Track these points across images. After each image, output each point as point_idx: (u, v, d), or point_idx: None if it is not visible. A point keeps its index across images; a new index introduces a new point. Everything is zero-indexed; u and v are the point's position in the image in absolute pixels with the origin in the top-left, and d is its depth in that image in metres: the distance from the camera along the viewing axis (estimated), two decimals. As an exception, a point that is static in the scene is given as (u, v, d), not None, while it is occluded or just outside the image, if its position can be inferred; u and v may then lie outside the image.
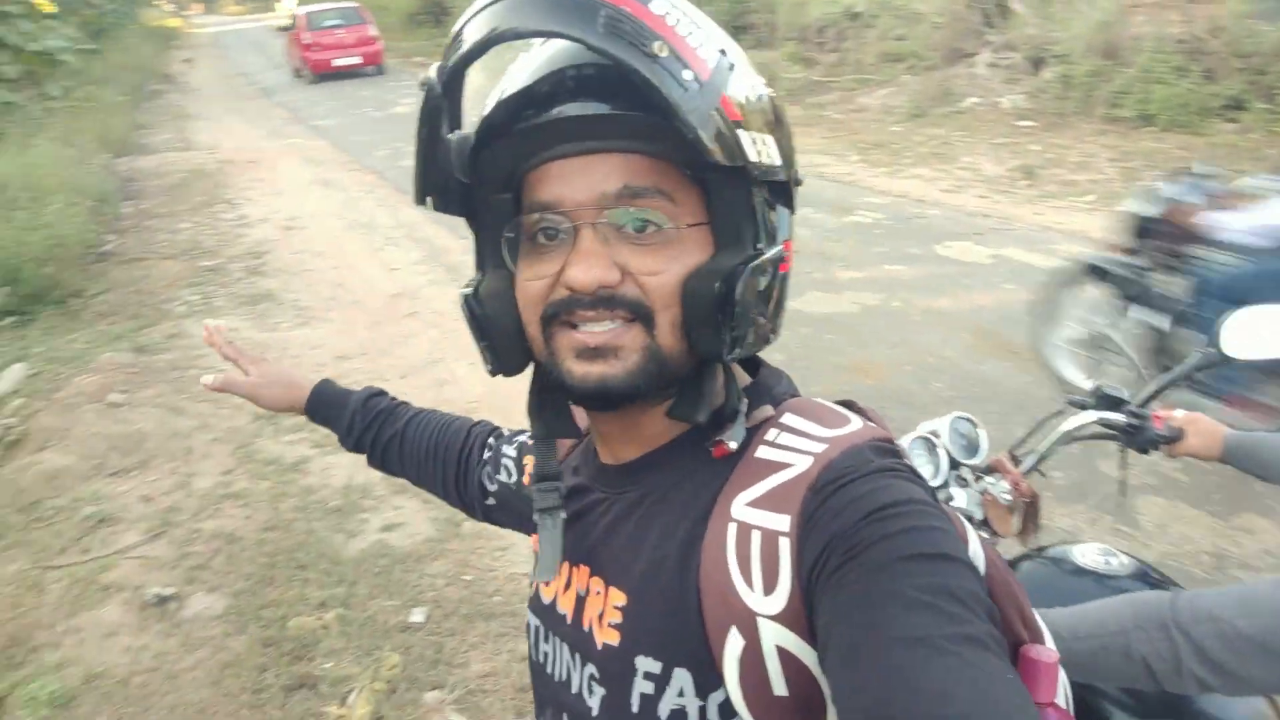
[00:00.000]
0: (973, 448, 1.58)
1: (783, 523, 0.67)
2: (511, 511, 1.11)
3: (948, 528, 0.65)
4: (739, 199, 0.72)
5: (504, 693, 2.69)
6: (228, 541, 3.43)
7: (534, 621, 0.91)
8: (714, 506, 0.72)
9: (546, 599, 0.88)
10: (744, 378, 0.82)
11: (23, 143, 8.28)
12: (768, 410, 0.76)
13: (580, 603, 0.83)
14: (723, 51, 0.69)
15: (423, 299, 6.21)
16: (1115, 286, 3.94)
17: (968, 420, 1.62)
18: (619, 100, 0.69)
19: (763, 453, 0.72)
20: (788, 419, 0.74)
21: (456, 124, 0.75)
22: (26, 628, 2.97)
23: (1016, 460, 1.62)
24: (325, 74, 17.89)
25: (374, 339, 5.52)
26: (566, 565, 0.85)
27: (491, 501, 1.14)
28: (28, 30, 11.75)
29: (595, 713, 0.80)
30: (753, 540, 0.68)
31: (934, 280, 5.89)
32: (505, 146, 0.74)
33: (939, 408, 4.22)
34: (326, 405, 1.28)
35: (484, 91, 0.77)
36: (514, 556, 3.36)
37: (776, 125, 0.74)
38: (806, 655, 0.65)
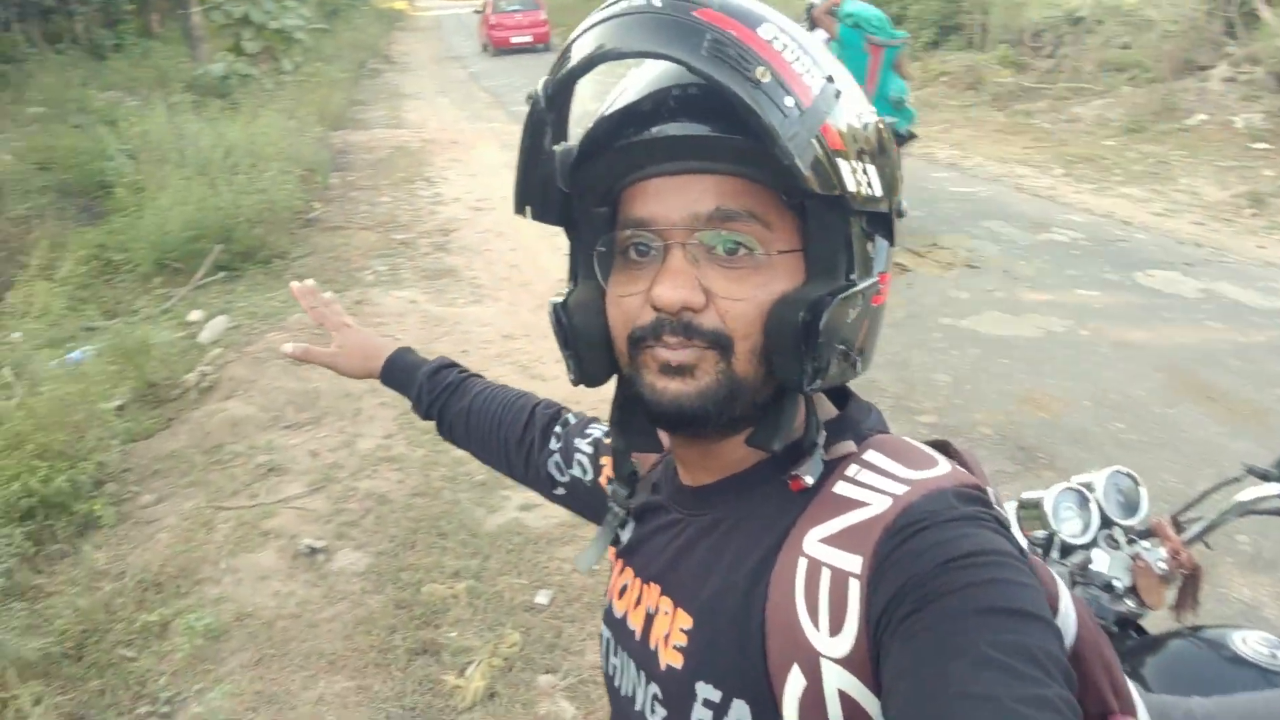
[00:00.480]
0: (1131, 507, 1.44)
1: (854, 564, 0.65)
2: (583, 504, 1.12)
3: (1032, 583, 0.62)
4: (835, 228, 0.71)
5: (614, 687, 2.70)
6: (379, 502, 3.62)
7: (606, 633, 0.92)
8: (786, 539, 0.71)
9: (618, 613, 0.89)
10: (829, 410, 0.81)
11: (252, 113, 9.06)
12: (850, 446, 0.75)
13: (649, 621, 0.83)
14: (829, 79, 0.68)
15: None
16: None
17: (1129, 476, 1.47)
18: (719, 123, 0.69)
19: (841, 488, 0.71)
20: (871, 456, 0.73)
21: (561, 136, 0.77)
22: (194, 561, 3.26)
23: (1180, 526, 1.46)
24: (503, 49, 21.42)
25: (537, 322, 5.67)
26: (639, 583, 0.86)
27: (561, 491, 1.14)
28: (270, 10, 12.87)
29: None
30: (822, 578, 0.67)
31: (1130, 310, 5.42)
32: (605, 161, 0.75)
33: (1115, 452, 3.89)
34: (399, 373, 1.31)
35: (590, 106, 0.78)
36: (643, 552, 3.37)
37: (880, 155, 0.73)
38: (869, 702, 0.64)
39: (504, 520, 3.54)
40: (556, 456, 1.13)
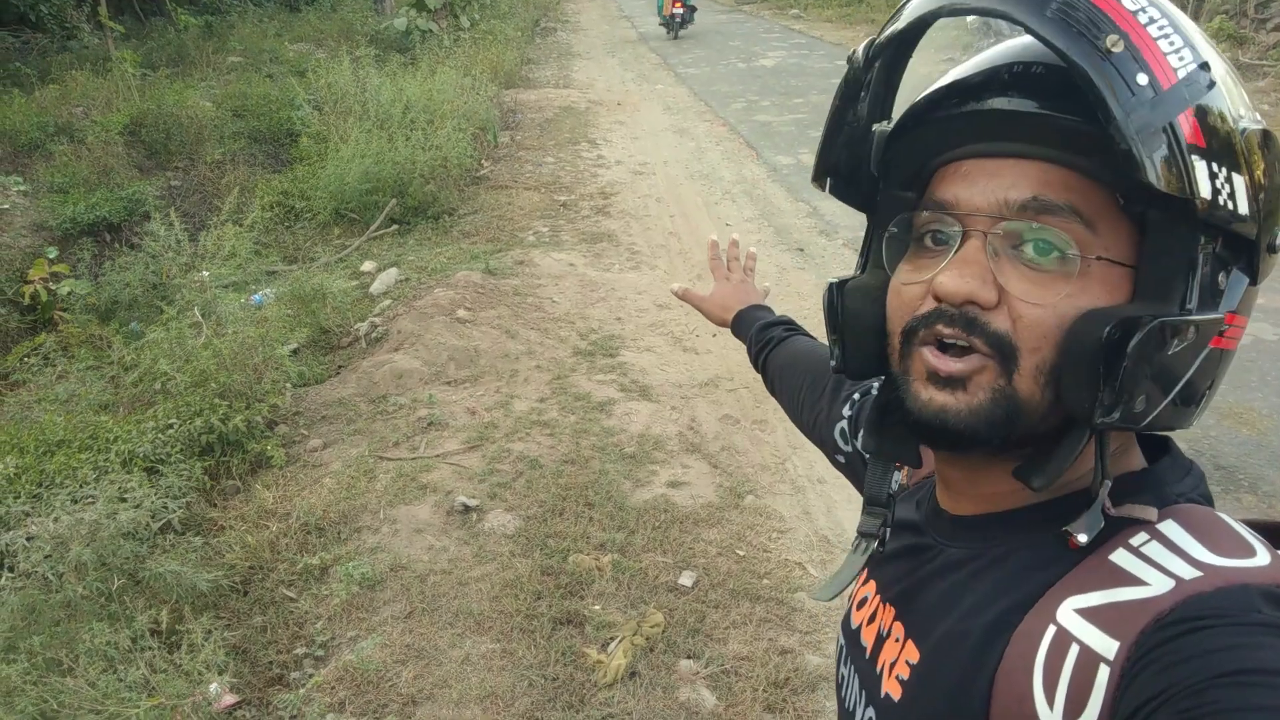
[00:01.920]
0: None
1: (1109, 648, 0.55)
2: (859, 478, 1.03)
3: None
4: (1178, 244, 0.60)
5: (756, 681, 2.62)
6: (530, 466, 3.65)
7: (841, 640, 0.88)
8: (1039, 599, 0.62)
9: (854, 624, 0.84)
10: (1135, 461, 0.68)
11: (430, 68, 9.30)
12: (1148, 511, 0.62)
13: (879, 642, 0.78)
14: (1204, 65, 0.58)
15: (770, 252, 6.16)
16: None
17: None
18: (1056, 101, 0.61)
19: (1119, 558, 0.60)
20: (1167, 527, 0.61)
21: (879, 106, 0.72)
22: (355, 509, 3.37)
23: None
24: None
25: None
26: (878, 600, 0.81)
27: (842, 459, 1.07)
28: (451, -33, 13.16)
29: None
30: (1069, 654, 0.57)
31: (1361, 321, 4.83)
32: (919, 137, 0.69)
33: (1335, 481, 3.47)
34: (742, 327, 1.32)
35: (916, 88, 0.72)
36: (790, 541, 3.26)
37: (1258, 167, 0.60)
38: None
39: (651, 496, 3.50)
40: (844, 424, 1.05)
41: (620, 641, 2.74)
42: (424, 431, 3.94)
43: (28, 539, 2.55)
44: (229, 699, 2.53)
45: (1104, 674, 0.55)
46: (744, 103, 11.22)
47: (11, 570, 2.58)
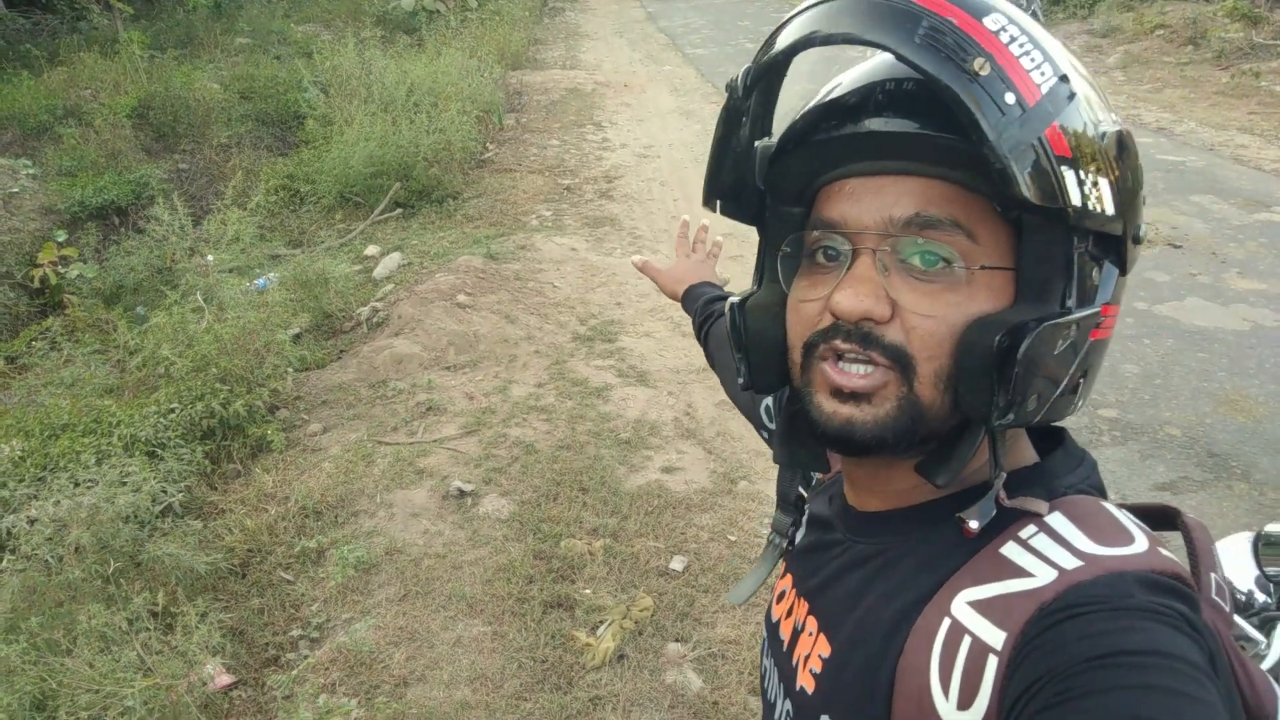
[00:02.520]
0: None
1: (997, 639, 0.58)
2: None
3: (1205, 697, 0.52)
4: (1054, 247, 0.63)
5: (742, 665, 2.66)
6: (526, 451, 3.69)
7: (764, 633, 0.90)
8: (937, 592, 0.65)
9: (774, 617, 0.86)
10: (1027, 455, 0.72)
11: (436, 49, 9.29)
12: (1038, 504, 0.65)
13: (795, 636, 0.80)
14: (1063, 78, 0.61)
15: (751, 243, 6.14)
16: None
17: None
18: (929, 120, 0.63)
19: (1008, 550, 0.63)
20: (1053, 519, 0.64)
21: (761, 130, 0.75)
22: (353, 493, 3.42)
23: None
24: None
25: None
26: (794, 594, 0.83)
27: (766, 435, 1.09)
28: (458, -53, 13.09)
29: None
30: (962, 646, 0.60)
31: (1362, 307, 4.80)
32: (802, 157, 0.71)
33: (1328, 469, 3.47)
34: (689, 301, 1.37)
35: (796, 105, 0.75)
36: (784, 527, 3.29)
37: (1119, 169, 0.64)
38: None
39: (645, 481, 3.54)
40: (768, 400, 1.07)
41: (609, 625, 2.78)
42: (422, 416, 3.98)
43: (29, 522, 2.60)
44: (224, 679, 2.59)
45: (993, 664, 0.58)
46: (751, 84, 11.16)
47: (13, 553, 2.64)
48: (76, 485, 2.85)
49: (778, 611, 0.86)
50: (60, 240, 5.97)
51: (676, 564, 3.07)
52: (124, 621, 2.41)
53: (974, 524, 0.64)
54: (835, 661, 0.72)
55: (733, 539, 3.22)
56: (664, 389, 4.22)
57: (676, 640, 2.76)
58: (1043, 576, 0.59)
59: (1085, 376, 0.67)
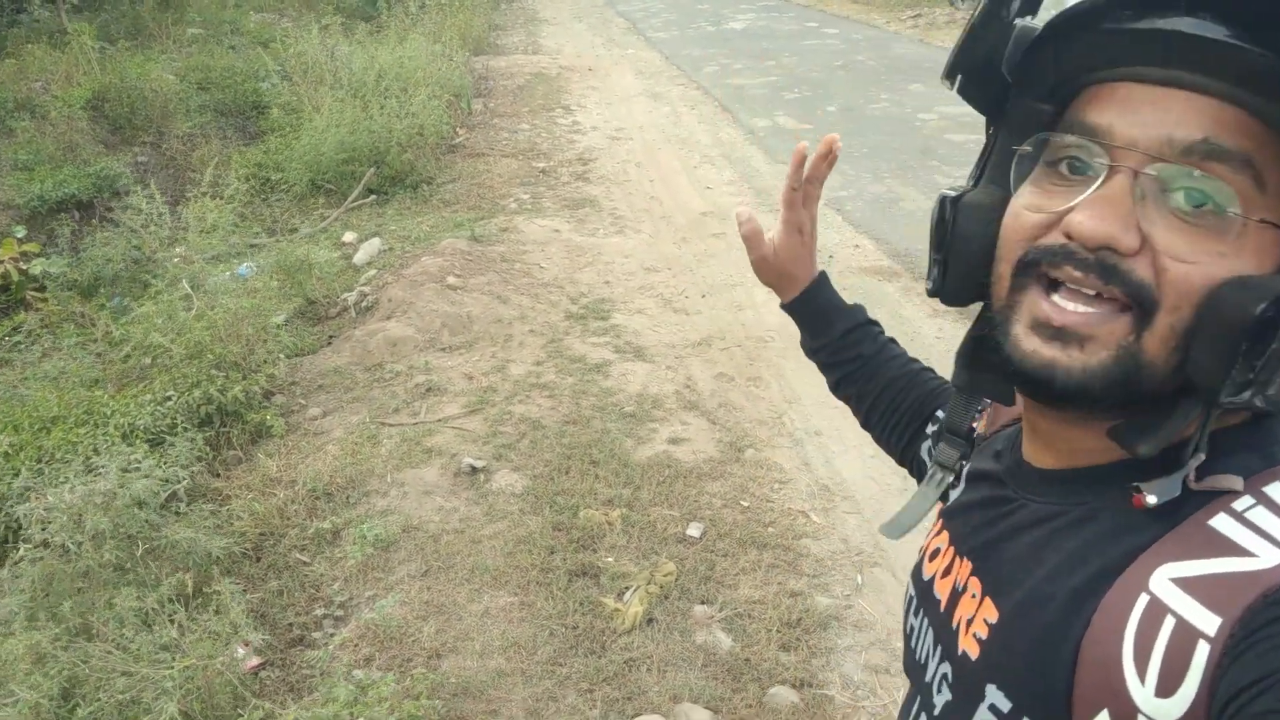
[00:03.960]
0: None
1: (1210, 624, 0.51)
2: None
3: None
4: None
5: (769, 622, 2.70)
6: (533, 427, 3.69)
7: (911, 590, 0.84)
8: (1130, 564, 0.58)
9: (926, 575, 0.80)
10: (1237, 414, 0.62)
11: (399, 36, 9.18)
12: (1231, 481, 0.57)
13: (955, 596, 0.74)
14: None
15: (730, 220, 6.20)
16: None
17: None
18: (1252, 32, 0.52)
19: (1220, 523, 0.55)
20: (1274, 491, 0.55)
21: (1031, 6, 0.65)
22: (362, 474, 3.40)
23: None
24: None
25: (679, 255, 5.62)
26: (952, 551, 0.76)
27: (918, 474, 0.99)
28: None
29: (937, 711, 0.73)
30: (1163, 626, 0.54)
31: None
32: (1076, 48, 0.60)
33: None
34: (813, 312, 1.08)
35: None
36: (791, 491, 3.34)
37: None
38: None
39: (653, 452, 3.56)
40: (928, 442, 0.97)
41: (636, 590, 2.80)
42: (423, 397, 3.96)
43: (45, 510, 2.55)
44: (253, 661, 2.57)
45: (1203, 651, 0.51)
46: (716, 66, 11.20)
47: (28, 541, 2.58)
48: (89, 472, 2.79)
49: (930, 569, 0.80)
50: (20, 236, 5.80)
51: (694, 530, 3.10)
52: (154, 604, 2.38)
53: (1151, 499, 0.57)
54: (1004, 629, 0.66)
55: (745, 505, 3.25)
56: (662, 363, 4.24)
57: (702, 603, 2.79)
58: (1267, 557, 0.52)
59: None
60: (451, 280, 4.91)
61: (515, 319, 4.65)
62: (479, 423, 3.74)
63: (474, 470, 3.40)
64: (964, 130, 7.81)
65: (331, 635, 2.68)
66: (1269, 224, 0.54)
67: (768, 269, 1.06)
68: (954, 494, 0.80)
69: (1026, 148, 0.64)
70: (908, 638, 0.83)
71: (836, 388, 1.11)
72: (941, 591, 0.76)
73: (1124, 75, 0.58)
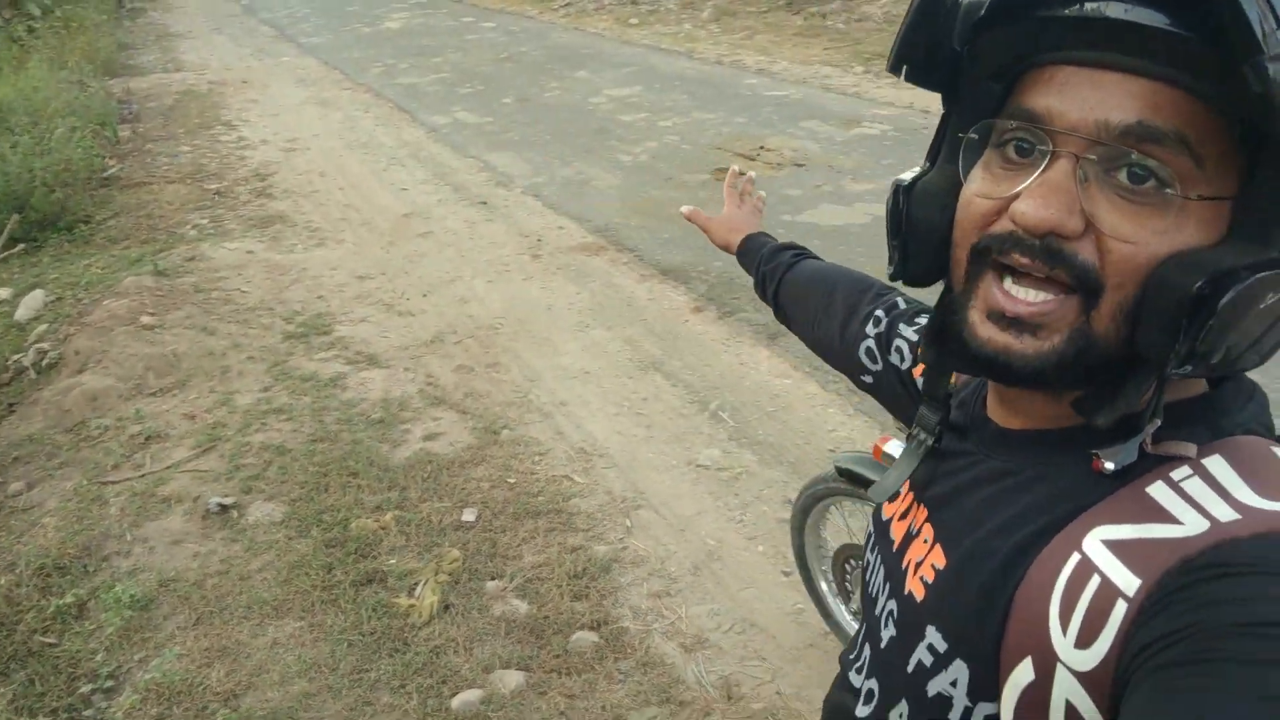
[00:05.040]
0: None
1: (1130, 584, 0.54)
2: (891, 396, 1.00)
3: None
4: None
5: (557, 580, 2.86)
6: (278, 453, 3.56)
7: (870, 528, 0.88)
8: (1069, 524, 0.61)
9: (885, 515, 0.84)
10: (1195, 384, 0.65)
11: (15, 65, 8.13)
12: (1185, 448, 0.59)
13: (908, 539, 0.78)
14: None
15: (435, 218, 6.23)
16: None
17: None
18: (1181, 16, 0.54)
19: (1156, 491, 0.58)
20: (1213, 462, 0.58)
21: None
22: (95, 539, 3.12)
23: None
24: None
25: (390, 259, 5.57)
26: (911, 497, 0.80)
27: (869, 379, 1.02)
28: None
29: (883, 645, 0.78)
30: (1089, 584, 0.56)
31: (942, 190, 5.94)
32: (1017, 31, 0.61)
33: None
34: (750, 252, 1.26)
35: None
36: (551, 460, 3.51)
37: None
38: None
39: (410, 452, 3.58)
40: (870, 342, 1.00)
41: (426, 583, 2.85)
42: (144, 447, 3.67)
43: None
44: (18, 759, 2.32)
45: (1121, 608, 0.54)
46: (381, 67, 11.00)
47: None
48: None
49: (889, 510, 0.83)
50: None
51: (469, 515, 3.18)
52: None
53: (1109, 465, 0.59)
54: (950, 575, 0.69)
55: (512, 482, 3.38)
56: (399, 366, 4.23)
57: (493, 579, 2.90)
58: (1191, 525, 0.54)
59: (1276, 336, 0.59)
60: (146, 320, 4.54)
61: (228, 349, 4.40)
62: (216, 460, 3.55)
63: (223, 509, 3.24)
64: (632, 110, 8.34)
65: (106, 708, 2.48)
66: (1208, 199, 0.56)
67: (716, 236, 1.33)
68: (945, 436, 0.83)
69: (973, 135, 0.66)
70: (865, 570, 0.88)
71: (777, 306, 1.21)
72: (896, 533, 0.80)
73: (1062, 59, 0.59)
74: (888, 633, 0.77)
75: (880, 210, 4.39)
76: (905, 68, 0.68)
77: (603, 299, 4.88)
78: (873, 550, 0.86)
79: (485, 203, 6.48)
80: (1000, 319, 0.61)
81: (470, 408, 3.89)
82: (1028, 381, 0.62)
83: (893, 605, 0.77)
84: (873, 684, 0.79)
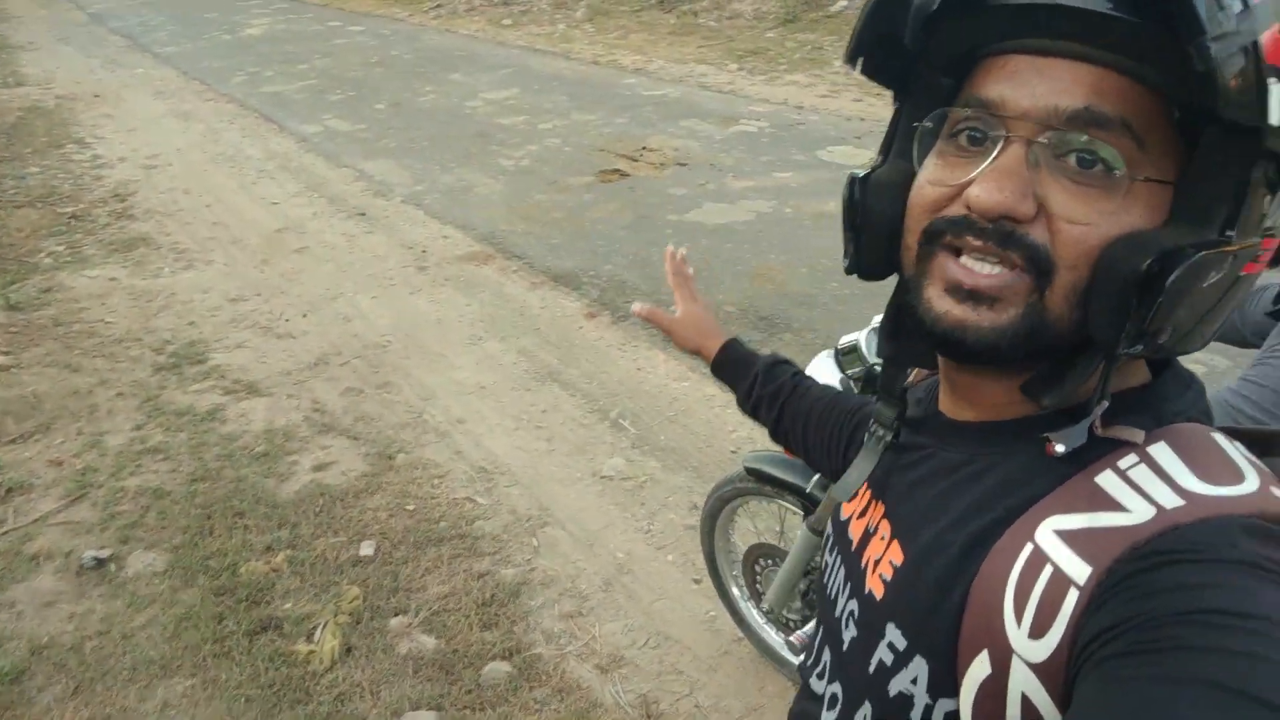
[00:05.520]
0: None
1: (1081, 573, 0.55)
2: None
3: None
4: (1231, 167, 0.56)
5: (465, 610, 2.78)
6: (156, 497, 3.35)
7: (829, 528, 0.87)
8: (1021, 515, 0.61)
9: (844, 515, 0.84)
10: (1139, 375, 0.67)
11: None
12: (1133, 433, 0.61)
13: (866, 538, 0.78)
14: None
15: (310, 233, 6.00)
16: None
17: None
18: (1126, 2, 0.55)
19: (1104, 480, 0.59)
20: (1157, 450, 0.59)
21: None
22: (-45, 606, 2.86)
23: None
24: None
25: (265, 278, 5.33)
26: (869, 493, 0.81)
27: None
28: None
29: (845, 648, 0.77)
30: (1042, 575, 0.57)
31: (820, 185, 6.08)
32: (967, 23, 0.63)
33: (837, 307, 4.46)
34: (733, 364, 1.24)
35: None
36: (451, 482, 3.42)
37: None
38: (1050, 715, 0.56)
39: (300, 485, 3.42)
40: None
41: (324, 626, 2.72)
42: (4, 501, 3.39)
43: None
44: None
45: (1072, 597, 0.54)
46: (245, 75, 10.54)
47: None
48: None
49: (848, 509, 0.83)
50: None
51: (367, 549, 3.06)
52: None
53: (1060, 448, 0.61)
54: (908, 571, 0.69)
55: (411, 508, 3.28)
56: (281, 393, 4.04)
57: (396, 614, 2.79)
58: (1139, 513, 0.55)
59: (1220, 312, 0.61)
60: (0, 360, 4.21)
61: (95, 386, 4.12)
62: (88, 510, 3.31)
63: (99, 562, 3.02)
64: (511, 114, 8.23)
65: (-24, 797, 2.28)
66: (1153, 181, 0.58)
67: (682, 339, 1.29)
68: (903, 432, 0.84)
69: (928, 123, 0.67)
70: (822, 573, 0.87)
71: (776, 427, 1.19)
72: (855, 532, 0.80)
73: (1012, 48, 0.61)
74: (849, 634, 0.77)
75: (763, 208, 4.48)
76: (860, 59, 0.69)
77: (494, 309, 4.79)
78: (832, 551, 0.86)
79: (364, 214, 6.27)
80: (958, 291, 0.62)
81: (361, 433, 3.74)
82: (982, 357, 0.62)
83: (853, 605, 0.77)
84: (836, 688, 0.79)
